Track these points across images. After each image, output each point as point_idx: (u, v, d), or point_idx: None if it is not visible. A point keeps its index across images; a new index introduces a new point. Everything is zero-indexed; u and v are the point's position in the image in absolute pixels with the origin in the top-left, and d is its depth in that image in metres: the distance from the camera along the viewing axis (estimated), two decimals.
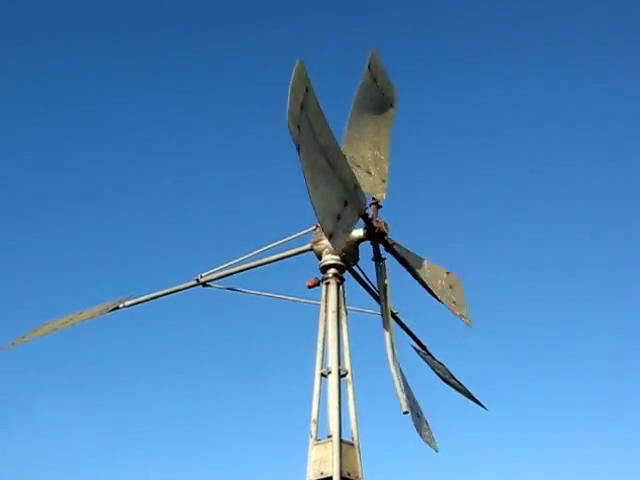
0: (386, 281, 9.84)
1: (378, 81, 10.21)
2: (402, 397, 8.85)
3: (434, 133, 29.34)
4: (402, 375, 9.31)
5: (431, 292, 10.53)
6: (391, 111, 10.61)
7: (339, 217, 8.75)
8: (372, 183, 10.10)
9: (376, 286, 10.04)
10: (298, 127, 7.91)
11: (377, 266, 9.97)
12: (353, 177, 9.01)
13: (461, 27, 31.28)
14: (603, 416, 25.14)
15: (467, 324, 10.92)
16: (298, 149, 7.96)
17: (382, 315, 9.67)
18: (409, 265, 10.27)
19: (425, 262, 10.59)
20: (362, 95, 9.98)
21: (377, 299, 10.21)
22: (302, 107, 7.92)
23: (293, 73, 7.73)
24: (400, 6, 31.72)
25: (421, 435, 10.50)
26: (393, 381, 8.99)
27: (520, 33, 31.34)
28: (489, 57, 31.93)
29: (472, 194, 29.11)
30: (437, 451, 10.71)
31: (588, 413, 25.54)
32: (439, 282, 10.72)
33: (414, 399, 10.37)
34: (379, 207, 9.90)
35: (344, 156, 9.00)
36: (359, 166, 9.96)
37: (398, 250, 10.05)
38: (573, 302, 28.68)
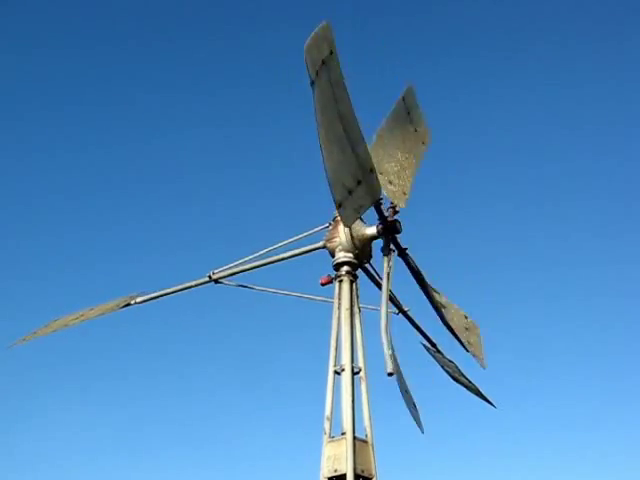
0: (391, 263, 9.59)
1: (412, 116, 10.57)
2: (389, 358, 8.50)
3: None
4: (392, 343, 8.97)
5: (442, 318, 10.46)
6: (422, 148, 10.84)
7: (350, 192, 8.58)
8: (393, 192, 10.03)
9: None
10: (316, 72, 7.80)
11: (405, 260, 9.91)
12: (370, 160, 8.69)
13: (463, 26, 31.30)
14: (612, 414, 25.18)
15: (480, 364, 10.92)
16: (312, 84, 7.81)
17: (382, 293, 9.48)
18: (421, 278, 10.16)
19: (444, 298, 10.56)
20: (394, 120, 10.32)
21: (390, 298, 10.19)
22: (324, 62, 7.77)
23: (316, 30, 7.63)
24: (406, 8, 31.78)
25: (410, 412, 10.41)
26: (382, 344, 8.68)
27: (521, 34, 31.36)
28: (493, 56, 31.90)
29: (474, 193, 29.12)
30: (423, 433, 10.66)
31: (597, 411, 25.58)
32: (455, 319, 10.66)
33: (403, 376, 10.21)
34: (396, 212, 9.77)
35: (363, 139, 8.48)
36: (381, 174, 9.85)
37: (411, 261, 9.99)
38: (581, 301, 28.72)
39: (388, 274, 9.37)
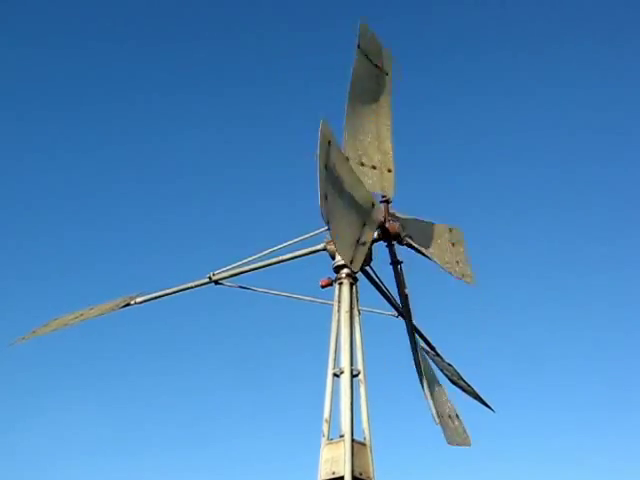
0: (407, 290, 9.93)
1: (370, 55, 9.94)
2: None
3: (440, 131, 29.34)
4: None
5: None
6: (387, 79, 10.31)
7: (358, 241, 9.07)
8: (379, 178, 10.04)
9: (388, 287, 10.12)
10: (325, 197, 8.27)
11: (395, 271, 10.00)
12: (370, 197, 9.24)
13: (464, 28, 31.34)
14: (611, 418, 25.21)
15: (468, 283, 10.80)
16: (328, 223, 8.38)
17: (409, 340, 9.95)
18: (424, 254, 10.28)
19: (432, 227, 10.64)
20: (357, 78, 9.69)
21: (389, 300, 10.28)
22: (326, 167, 8.33)
23: (319, 138, 8.20)
24: (406, 6, 31.82)
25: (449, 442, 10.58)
26: (430, 408, 9.59)
27: (523, 35, 31.40)
28: (495, 57, 31.92)
29: (478, 196, 29.17)
30: (470, 445, 10.81)
31: (596, 415, 25.61)
32: (446, 247, 10.69)
33: (450, 404, 10.54)
34: (389, 203, 9.89)
35: (359, 180, 9.24)
36: (363, 164, 9.89)
37: (412, 242, 10.06)
38: (581, 305, 28.74)
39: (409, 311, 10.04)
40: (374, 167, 10.03)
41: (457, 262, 10.71)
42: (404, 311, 10.09)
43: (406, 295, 9.97)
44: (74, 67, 31.53)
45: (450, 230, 10.94)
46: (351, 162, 9.59)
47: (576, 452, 25.29)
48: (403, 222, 10.00)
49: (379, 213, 9.68)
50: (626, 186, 29.78)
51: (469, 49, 31.36)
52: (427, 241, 10.42)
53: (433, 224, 10.74)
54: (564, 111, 31.04)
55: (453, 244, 10.84)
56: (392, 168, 10.21)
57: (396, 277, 10.05)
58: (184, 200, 30.46)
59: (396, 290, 10.21)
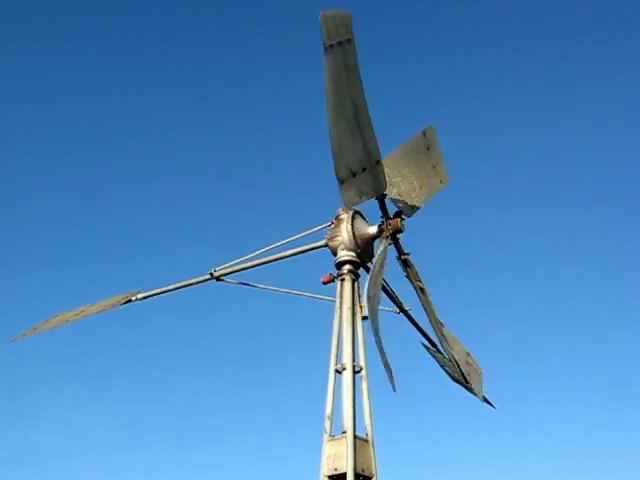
0: (421, 284, 9.94)
1: (431, 152, 10.70)
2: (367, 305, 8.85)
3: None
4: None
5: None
6: (440, 186, 10.94)
7: (355, 175, 8.78)
8: (401, 202, 10.14)
9: (390, 284, 10.09)
10: (331, 45, 7.92)
11: (405, 265, 9.91)
12: (377, 152, 8.84)
13: (466, 29, 31.31)
14: (611, 416, 25.19)
15: (478, 397, 11.13)
16: (326, 50, 7.91)
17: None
18: (418, 285, 10.12)
19: (448, 331, 10.57)
20: (411, 147, 10.54)
21: (390, 297, 10.25)
22: (340, 43, 7.94)
23: (337, 11, 7.85)
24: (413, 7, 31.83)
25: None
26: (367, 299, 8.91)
27: (525, 37, 31.35)
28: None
29: (478, 197, 29.14)
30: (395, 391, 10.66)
31: (596, 413, 25.60)
32: (457, 353, 10.72)
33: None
34: (402, 219, 9.77)
35: (373, 128, 8.75)
36: (391, 185, 9.90)
37: (410, 262, 9.97)
38: (579, 304, 28.73)
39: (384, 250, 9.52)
40: (400, 195, 10.21)
41: (469, 375, 10.92)
42: (423, 302, 10.06)
43: (422, 289, 9.93)
44: (75, 67, 31.52)
45: (468, 354, 11.08)
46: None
47: (576, 449, 25.32)
48: None
49: (382, 180, 9.23)
50: (625, 185, 29.76)
51: (472, 47, 31.38)
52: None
53: (454, 337, 10.87)
54: (566, 112, 30.98)
55: (468, 363, 11.02)
56: (420, 207, 10.42)
57: (407, 271, 9.95)
58: (186, 197, 30.49)
59: (398, 286, 10.19)
